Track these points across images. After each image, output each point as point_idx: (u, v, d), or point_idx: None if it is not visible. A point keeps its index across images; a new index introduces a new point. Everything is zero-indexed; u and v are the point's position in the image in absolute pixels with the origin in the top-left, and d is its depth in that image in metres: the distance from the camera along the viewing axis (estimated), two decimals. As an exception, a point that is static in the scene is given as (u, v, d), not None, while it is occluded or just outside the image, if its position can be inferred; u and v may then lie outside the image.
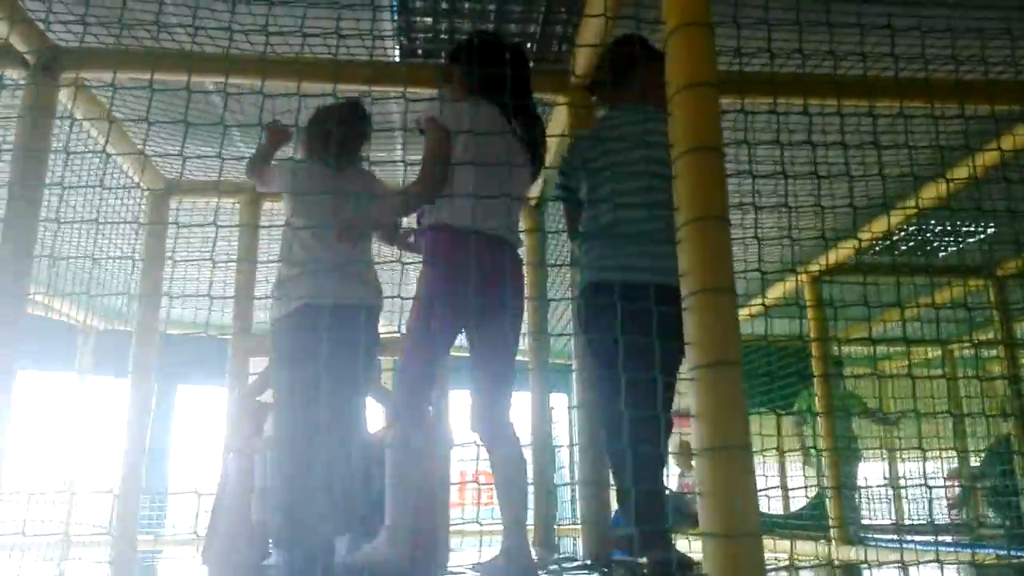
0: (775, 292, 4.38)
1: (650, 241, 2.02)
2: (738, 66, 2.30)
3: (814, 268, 4.18)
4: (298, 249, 2.43)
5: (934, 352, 5.80)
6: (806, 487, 5.38)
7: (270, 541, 2.53)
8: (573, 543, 5.73)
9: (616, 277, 2.05)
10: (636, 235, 2.07)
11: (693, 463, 5.59)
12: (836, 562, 3.95)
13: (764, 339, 3.76)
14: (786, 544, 4.20)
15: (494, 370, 2.14)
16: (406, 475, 2.04)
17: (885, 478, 6.16)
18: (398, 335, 2.21)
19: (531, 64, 2.29)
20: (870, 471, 6.36)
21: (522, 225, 3.95)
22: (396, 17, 2.79)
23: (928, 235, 4.49)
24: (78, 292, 3.31)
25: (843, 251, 4.04)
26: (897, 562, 2.79)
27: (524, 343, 3.60)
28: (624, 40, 2.31)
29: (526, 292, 2.12)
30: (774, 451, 5.09)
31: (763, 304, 4.06)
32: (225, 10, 2.42)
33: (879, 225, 3.63)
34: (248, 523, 2.69)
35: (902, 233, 4.27)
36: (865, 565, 3.70)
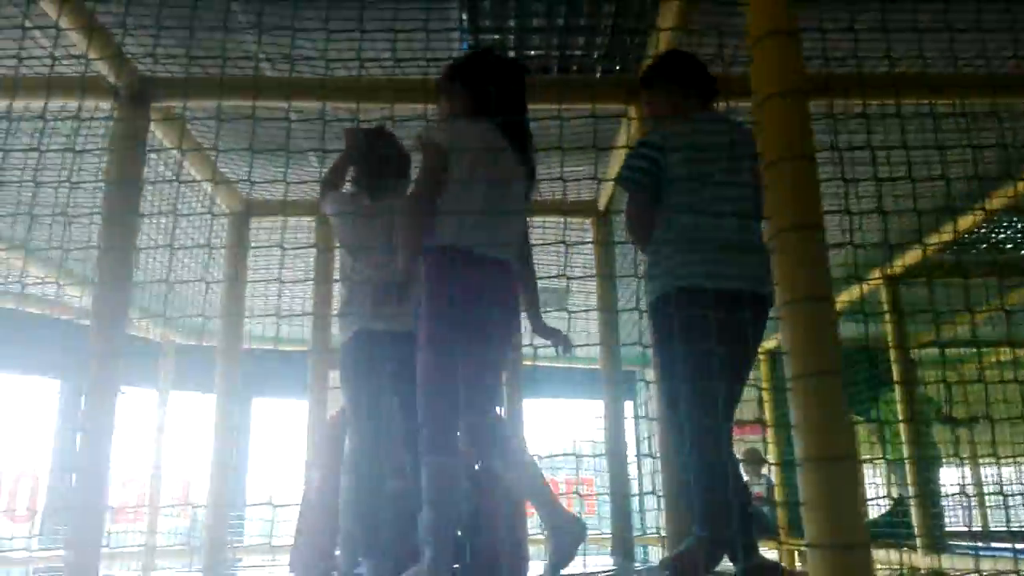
0: (843, 296, 4.28)
1: (737, 249, 2.01)
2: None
3: (889, 271, 4.07)
4: (353, 275, 2.54)
5: (1007, 355, 5.58)
6: (888, 495, 5.23)
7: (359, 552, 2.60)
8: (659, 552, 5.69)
9: (709, 284, 2.00)
10: (721, 241, 2.04)
11: (763, 471, 5.45)
12: (923, 571, 3.83)
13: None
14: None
15: (484, 384, 2.12)
16: (445, 505, 2.00)
17: (962, 484, 5.94)
18: None
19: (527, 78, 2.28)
20: (947, 477, 6.15)
21: (589, 235, 3.97)
22: (466, 37, 2.85)
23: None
24: (164, 312, 3.45)
25: (918, 252, 3.92)
26: (977, 571, 2.70)
27: (595, 352, 3.61)
28: (679, 54, 2.34)
29: (597, 303, 2.12)
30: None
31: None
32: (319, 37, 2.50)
33: (963, 224, 3.52)
34: (333, 533, 2.77)
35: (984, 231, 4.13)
36: (955, 572, 3.58)
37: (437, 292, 2.01)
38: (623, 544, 3.35)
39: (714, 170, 2.07)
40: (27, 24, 2.51)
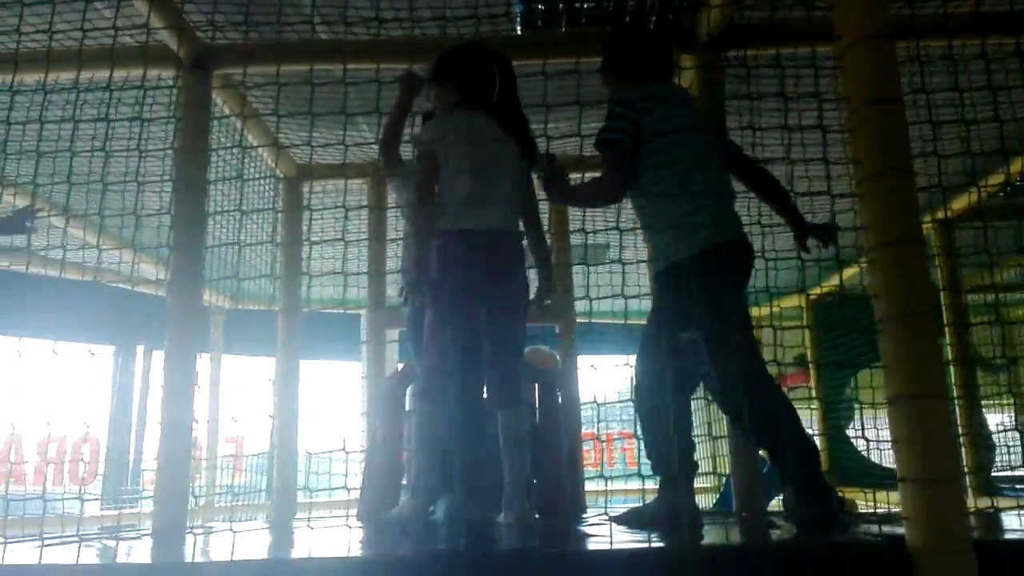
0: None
1: (725, 198, 2.21)
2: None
3: (941, 215, 4.03)
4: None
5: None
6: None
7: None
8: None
9: (723, 237, 2.15)
10: (712, 192, 2.18)
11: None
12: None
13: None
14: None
15: (503, 346, 2.31)
16: (430, 441, 2.31)
17: (1001, 427, 5.94)
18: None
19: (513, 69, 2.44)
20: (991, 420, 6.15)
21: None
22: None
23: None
24: (227, 276, 3.53)
25: (968, 196, 3.88)
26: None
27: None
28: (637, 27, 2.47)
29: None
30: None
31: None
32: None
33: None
34: (397, 482, 2.89)
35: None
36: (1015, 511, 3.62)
37: (444, 269, 2.25)
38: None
39: (685, 125, 2.18)
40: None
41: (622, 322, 2.13)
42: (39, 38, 2.58)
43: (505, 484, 2.33)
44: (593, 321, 3.81)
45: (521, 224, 2.43)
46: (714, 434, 4.52)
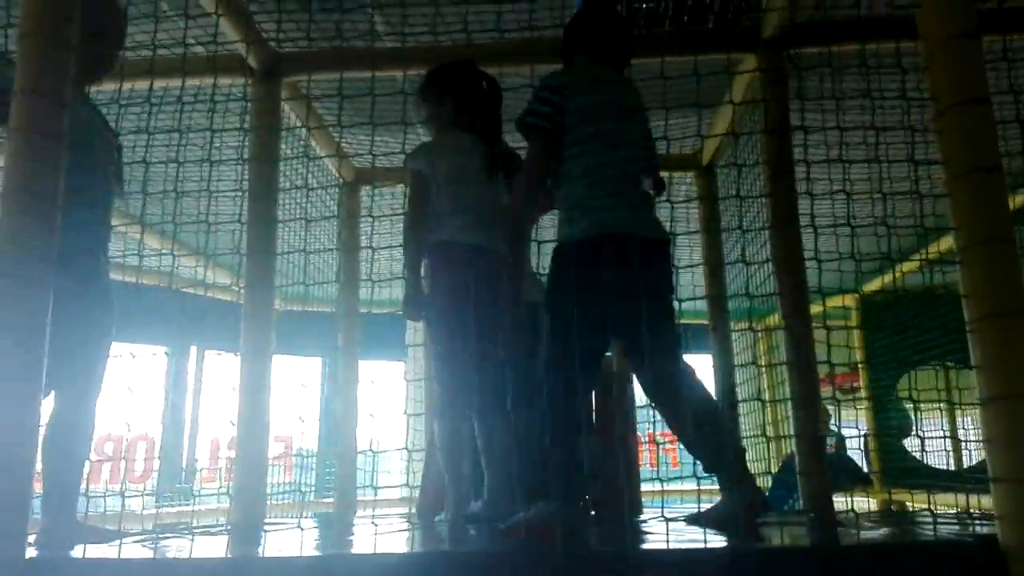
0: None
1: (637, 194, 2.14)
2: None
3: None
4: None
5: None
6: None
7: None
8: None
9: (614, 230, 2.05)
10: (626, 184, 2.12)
11: (831, 425, 5.33)
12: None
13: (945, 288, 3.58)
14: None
15: (493, 358, 2.42)
16: (457, 461, 2.49)
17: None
18: None
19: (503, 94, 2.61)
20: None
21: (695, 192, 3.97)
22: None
23: None
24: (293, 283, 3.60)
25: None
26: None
27: (701, 306, 3.65)
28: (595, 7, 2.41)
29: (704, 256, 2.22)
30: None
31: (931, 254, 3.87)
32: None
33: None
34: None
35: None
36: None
37: (435, 277, 2.45)
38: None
39: (609, 115, 2.12)
40: (164, 8, 2.64)
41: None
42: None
43: (489, 486, 2.46)
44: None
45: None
46: (768, 435, 4.50)
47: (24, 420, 1.52)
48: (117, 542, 1.79)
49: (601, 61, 2.27)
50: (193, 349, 6.87)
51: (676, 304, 2.13)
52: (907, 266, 4.39)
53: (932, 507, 2.77)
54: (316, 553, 1.82)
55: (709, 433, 2.07)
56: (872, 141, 2.44)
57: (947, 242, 4.45)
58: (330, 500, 5.68)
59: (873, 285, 5.35)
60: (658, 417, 2.26)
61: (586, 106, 2.12)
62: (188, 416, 6.82)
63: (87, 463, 2.28)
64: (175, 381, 6.65)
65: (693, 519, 2.10)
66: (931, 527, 1.88)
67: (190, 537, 2.10)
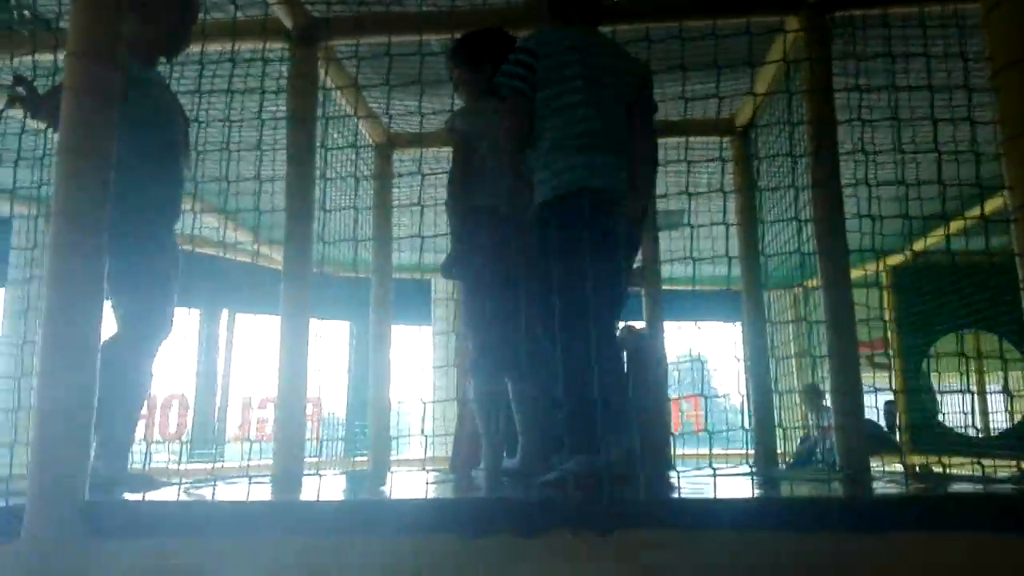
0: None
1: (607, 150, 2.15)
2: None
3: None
4: None
5: None
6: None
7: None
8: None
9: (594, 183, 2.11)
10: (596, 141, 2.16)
11: (823, 403, 5.28)
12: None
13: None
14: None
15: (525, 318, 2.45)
16: (492, 417, 2.59)
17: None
18: None
19: None
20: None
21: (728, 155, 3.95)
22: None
23: None
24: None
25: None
26: None
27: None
28: None
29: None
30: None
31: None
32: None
33: None
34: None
35: None
36: None
37: (473, 240, 2.50)
38: (767, 455, 3.47)
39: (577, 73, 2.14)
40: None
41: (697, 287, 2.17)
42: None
43: (522, 443, 2.53)
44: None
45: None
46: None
47: (84, 363, 1.61)
48: (167, 488, 1.87)
49: (576, 21, 2.27)
50: (224, 312, 6.99)
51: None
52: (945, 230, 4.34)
53: (966, 469, 2.78)
54: (371, 497, 1.88)
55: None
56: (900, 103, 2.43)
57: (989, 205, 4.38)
58: (362, 458, 5.83)
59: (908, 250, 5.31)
60: (682, 381, 2.29)
61: (558, 65, 2.15)
62: (220, 376, 6.98)
63: (142, 411, 2.37)
64: (207, 342, 6.79)
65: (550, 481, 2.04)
66: (968, 484, 1.91)
67: (235, 483, 2.19)
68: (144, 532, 1.59)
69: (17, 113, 2.38)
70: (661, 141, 4.04)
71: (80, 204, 1.65)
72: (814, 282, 2.83)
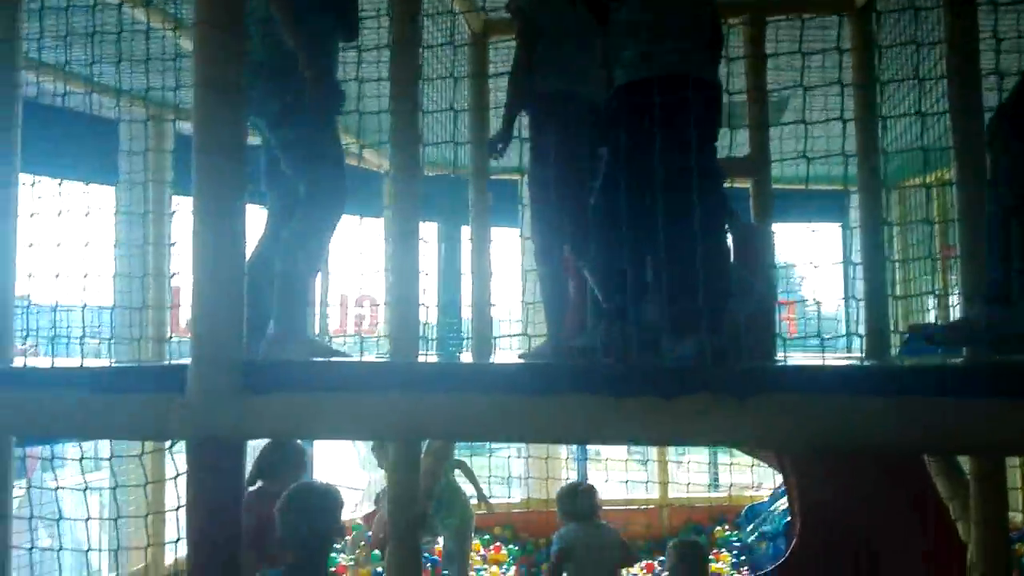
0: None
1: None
2: None
3: None
4: None
5: None
6: None
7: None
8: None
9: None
10: None
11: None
12: None
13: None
14: None
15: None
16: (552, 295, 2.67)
17: None
18: None
19: None
20: None
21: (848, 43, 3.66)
22: None
23: None
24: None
25: None
26: None
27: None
28: None
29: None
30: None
31: None
32: None
33: None
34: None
35: None
36: None
37: (541, 131, 2.54)
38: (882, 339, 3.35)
39: None
40: None
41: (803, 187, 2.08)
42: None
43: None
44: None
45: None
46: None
47: (233, 244, 1.83)
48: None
49: None
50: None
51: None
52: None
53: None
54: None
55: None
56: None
57: None
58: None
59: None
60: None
61: None
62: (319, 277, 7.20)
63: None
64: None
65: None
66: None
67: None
68: (288, 388, 1.82)
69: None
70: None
71: (219, 73, 1.78)
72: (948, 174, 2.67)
